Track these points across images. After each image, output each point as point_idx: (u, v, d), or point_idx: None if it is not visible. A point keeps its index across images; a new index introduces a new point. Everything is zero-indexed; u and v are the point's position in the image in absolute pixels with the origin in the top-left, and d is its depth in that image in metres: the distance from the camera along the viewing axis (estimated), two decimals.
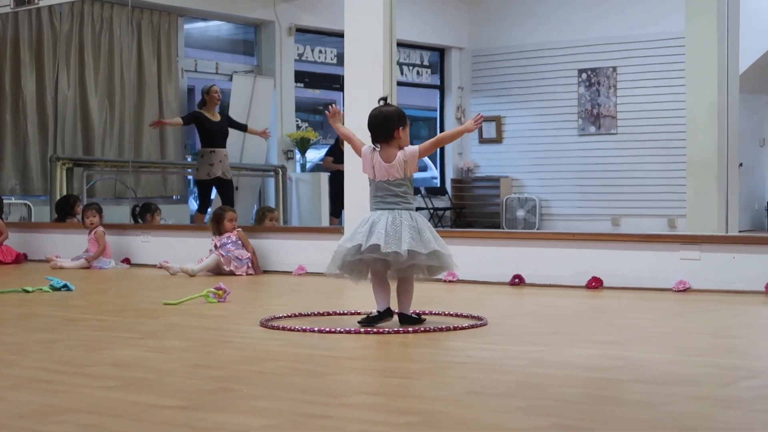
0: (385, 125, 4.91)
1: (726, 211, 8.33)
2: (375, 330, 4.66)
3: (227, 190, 10.52)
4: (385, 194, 4.88)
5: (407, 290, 4.93)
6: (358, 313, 5.00)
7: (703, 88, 8.77)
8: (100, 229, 9.20)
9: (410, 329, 4.66)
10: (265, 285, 7.59)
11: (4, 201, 11.07)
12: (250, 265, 8.21)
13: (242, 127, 11.09)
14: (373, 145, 4.93)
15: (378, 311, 4.87)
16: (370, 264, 4.78)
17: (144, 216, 10.29)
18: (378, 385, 3.51)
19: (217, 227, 8.35)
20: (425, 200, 14.74)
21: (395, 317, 4.89)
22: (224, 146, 10.43)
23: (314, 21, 13.47)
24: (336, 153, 11.78)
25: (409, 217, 4.83)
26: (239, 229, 8.37)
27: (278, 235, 8.74)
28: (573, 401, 3.11)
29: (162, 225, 10.11)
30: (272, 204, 12.64)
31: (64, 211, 10.46)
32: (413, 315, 4.94)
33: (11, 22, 11.51)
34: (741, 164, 10.04)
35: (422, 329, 4.66)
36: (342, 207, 10.79)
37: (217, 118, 10.40)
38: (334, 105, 5.20)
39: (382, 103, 4.98)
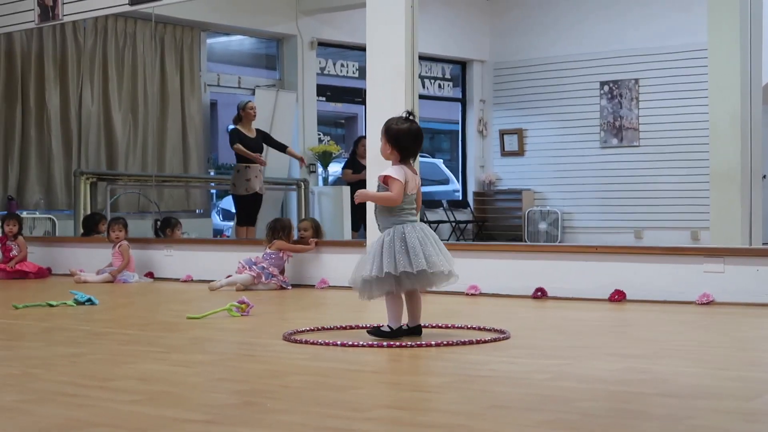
0: (421, 143, 5.06)
1: (750, 223, 8.29)
2: (397, 344, 4.66)
3: (257, 204, 10.56)
4: (411, 207, 4.98)
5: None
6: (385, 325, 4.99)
7: (726, 99, 8.74)
8: (125, 242, 9.24)
9: (433, 342, 4.66)
10: (288, 298, 7.60)
11: (29, 215, 11.15)
12: (281, 284, 8.23)
13: (281, 147, 11.07)
14: (395, 166, 4.97)
15: (409, 326, 4.95)
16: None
17: (164, 230, 10.33)
18: (401, 399, 3.51)
19: (288, 236, 8.43)
20: (447, 213, 14.74)
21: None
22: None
23: (336, 35, 13.51)
24: (354, 165, 11.79)
25: (430, 229, 5.06)
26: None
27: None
28: (597, 415, 3.10)
29: (185, 239, 10.14)
30: (294, 218, 12.67)
31: (89, 228, 10.51)
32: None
33: (36, 38, 11.60)
34: (765, 176, 10.01)
35: (445, 343, 4.66)
36: (360, 221, 10.81)
37: (253, 133, 10.45)
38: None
39: (411, 116, 5.01)
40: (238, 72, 13.42)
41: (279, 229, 8.47)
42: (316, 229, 8.62)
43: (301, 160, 11.40)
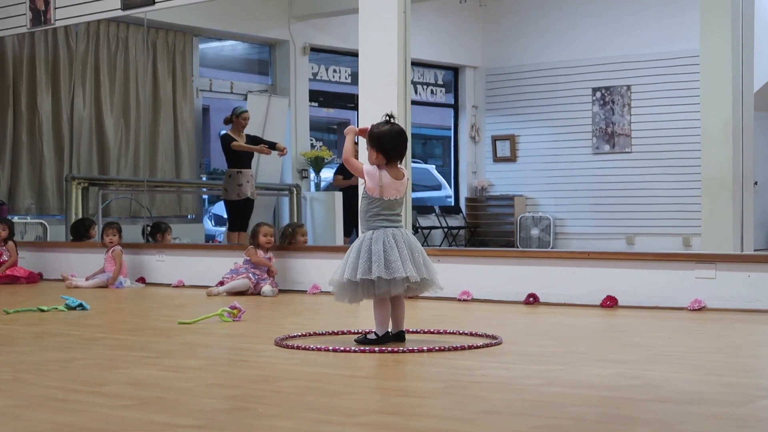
0: (405, 144, 4.98)
1: (741, 229, 8.30)
2: (389, 349, 4.65)
3: (249, 210, 10.57)
4: (390, 213, 4.92)
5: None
6: (372, 332, 4.99)
7: (718, 106, 8.76)
8: (118, 248, 9.23)
9: (425, 348, 4.66)
10: (280, 304, 7.59)
11: (20, 220, 11.13)
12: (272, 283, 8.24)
13: (271, 146, 11.09)
14: (374, 165, 4.96)
15: (392, 332, 4.94)
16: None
17: (155, 236, 10.32)
18: (393, 404, 3.51)
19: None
20: (439, 219, 14.74)
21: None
22: (250, 167, 10.50)
23: (329, 40, 13.51)
24: (345, 170, 11.78)
25: (411, 235, 5.00)
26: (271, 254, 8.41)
27: (293, 254, 8.75)
28: (589, 420, 3.10)
29: (177, 244, 10.13)
30: (286, 223, 12.67)
31: (80, 234, 10.49)
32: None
33: (27, 42, 11.58)
34: (756, 182, 10.02)
35: (437, 348, 4.66)
36: (352, 226, 10.81)
37: (243, 139, 10.47)
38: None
39: (392, 119, 5.00)
40: (231, 77, 13.41)
41: (252, 236, 8.49)
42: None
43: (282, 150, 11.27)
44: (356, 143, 5.16)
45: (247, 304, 6.47)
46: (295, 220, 12.14)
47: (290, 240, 8.87)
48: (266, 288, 8.09)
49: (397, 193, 4.94)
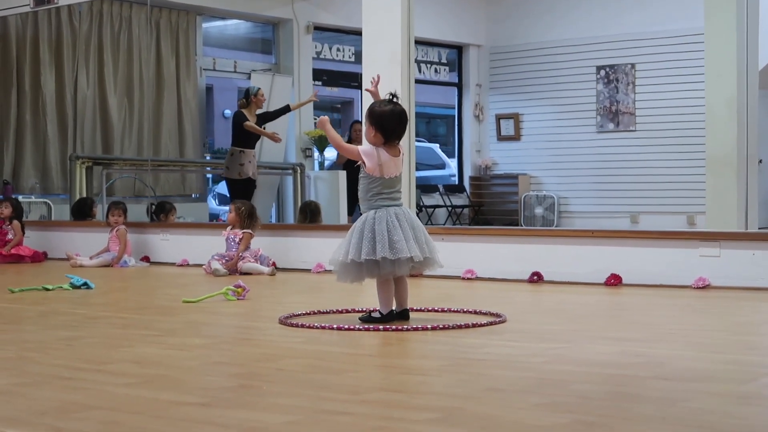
0: (405, 125, 4.98)
1: (745, 207, 8.30)
2: (393, 327, 4.66)
3: (250, 190, 10.54)
4: (391, 191, 4.92)
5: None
6: (377, 311, 5.00)
7: (722, 84, 8.73)
8: (123, 227, 9.23)
9: (429, 326, 4.66)
10: (284, 283, 7.60)
11: (24, 199, 11.13)
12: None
13: (285, 110, 10.96)
14: (370, 145, 4.96)
15: (396, 310, 4.94)
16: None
17: (159, 215, 10.32)
18: (397, 382, 3.51)
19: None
20: (443, 198, 14.74)
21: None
22: (254, 147, 10.45)
23: (332, 19, 13.49)
24: None
25: (412, 214, 5.02)
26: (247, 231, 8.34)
27: (297, 232, 8.76)
28: (593, 398, 3.10)
29: (181, 223, 10.13)
30: (290, 202, 12.67)
31: (83, 213, 10.49)
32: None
33: (31, 22, 11.57)
34: (761, 161, 10.01)
35: (441, 326, 4.66)
36: (355, 205, 10.80)
37: (255, 118, 10.43)
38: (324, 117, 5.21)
39: (395, 99, 4.98)
40: (234, 56, 13.40)
41: None
42: (245, 216, 8.36)
43: (312, 98, 11.29)
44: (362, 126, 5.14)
45: (250, 283, 6.48)
46: (300, 199, 12.16)
47: (314, 219, 9.04)
48: (248, 265, 8.10)
49: (396, 170, 4.95)
